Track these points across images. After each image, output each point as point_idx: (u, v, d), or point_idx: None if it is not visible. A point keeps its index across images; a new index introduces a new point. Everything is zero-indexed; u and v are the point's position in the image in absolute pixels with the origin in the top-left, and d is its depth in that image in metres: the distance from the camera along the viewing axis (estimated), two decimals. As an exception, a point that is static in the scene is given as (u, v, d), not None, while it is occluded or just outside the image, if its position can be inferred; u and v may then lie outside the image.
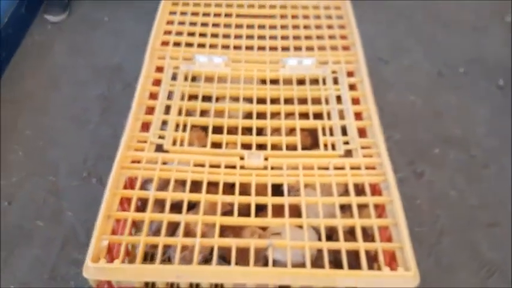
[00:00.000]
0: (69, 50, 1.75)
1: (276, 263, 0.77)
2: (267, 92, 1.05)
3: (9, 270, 1.11)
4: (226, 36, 1.19)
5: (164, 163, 0.90)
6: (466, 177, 1.34)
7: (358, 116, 1.00)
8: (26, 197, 1.27)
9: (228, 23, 1.22)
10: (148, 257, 0.91)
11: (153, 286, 0.94)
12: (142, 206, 0.88)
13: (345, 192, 0.88)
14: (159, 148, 0.93)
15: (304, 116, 1.00)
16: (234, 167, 0.90)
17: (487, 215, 1.24)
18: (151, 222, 0.83)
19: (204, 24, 1.22)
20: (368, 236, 0.83)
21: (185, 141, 0.94)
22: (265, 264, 0.78)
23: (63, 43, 1.78)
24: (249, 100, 1.04)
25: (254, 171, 0.89)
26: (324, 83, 1.07)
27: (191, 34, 1.19)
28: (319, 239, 0.80)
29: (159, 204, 0.85)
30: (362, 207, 0.84)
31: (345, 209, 0.85)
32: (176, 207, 0.84)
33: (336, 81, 1.07)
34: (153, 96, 1.04)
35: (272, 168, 0.90)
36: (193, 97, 1.04)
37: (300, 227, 0.81)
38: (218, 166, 0.90)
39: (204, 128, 0.99)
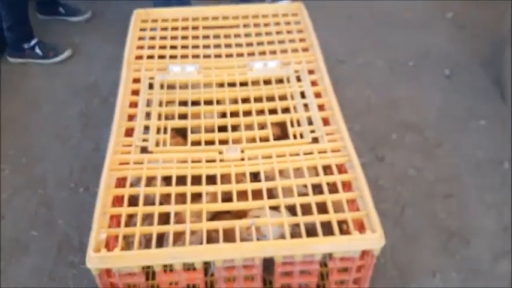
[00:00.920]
0: (44, 73, 1.79)
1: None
2: (238, 93, 1.15)
3: (10, 277, 1.16)
4: (195, 47, 1.28)
5: (150, 163, 0.98)
6: (422, 156, 1.45)
7: (321, 107, 1.11)
8: (19, 211, 1.31)
9: (195, 35, 1.32)
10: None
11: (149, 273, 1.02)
12: (133, 204, 0.95)
13: (316, 176, 0.98)
14: (144, 150, 1.01)
15: (273, 111, 1.10)
16: (214, 160, 0.99)
17: (443, 188, 1.36)
18: (143, 220, 0.89)
19: (173, 38, 1.31)
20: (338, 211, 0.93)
21: (167, 142, 1.03)
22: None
23: (38, 66, 1.82)
24: (222, 102, 1.14)
25: (233, 162, 0.98)
26: (289, 81, 1.18)
27: (162, 47, 1.28)
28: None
29: (148, 202, 0.92)
30: (333, 189, 0.93)
31: (316, 190, 0.95)
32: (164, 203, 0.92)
33: (299, 79, 1.19)
34: (133, 105, 1.12)
35: (249, 158, 0.99)
36: (170, 103, 1.13)
37: (277, 208, 0.90)
38: (200, 161, 0.98)
39: (182, 133, 1.07)
